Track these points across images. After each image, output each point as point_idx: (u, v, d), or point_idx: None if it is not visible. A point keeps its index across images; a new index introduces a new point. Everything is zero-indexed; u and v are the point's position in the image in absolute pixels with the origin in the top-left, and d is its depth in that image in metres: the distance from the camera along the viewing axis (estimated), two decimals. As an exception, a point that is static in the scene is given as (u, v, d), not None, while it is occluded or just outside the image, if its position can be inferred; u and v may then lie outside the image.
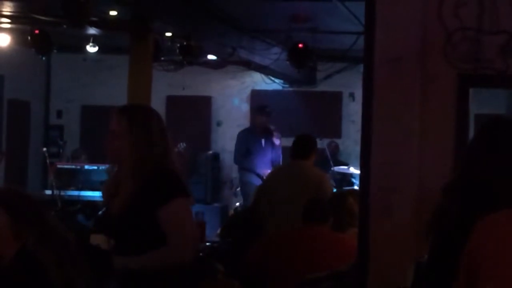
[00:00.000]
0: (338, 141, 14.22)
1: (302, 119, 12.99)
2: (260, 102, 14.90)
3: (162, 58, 12.29)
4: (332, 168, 12.50)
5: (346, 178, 12.58)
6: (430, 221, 2.69)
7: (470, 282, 2.22)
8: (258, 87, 15.09)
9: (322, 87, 14.82)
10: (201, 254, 7.09)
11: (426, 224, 2.72)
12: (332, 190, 7.84)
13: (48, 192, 11.88)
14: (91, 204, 11.48)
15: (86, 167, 12.36)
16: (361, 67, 4.57)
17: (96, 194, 11.14)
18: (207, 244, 7.99)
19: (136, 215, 4.00)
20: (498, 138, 2.61)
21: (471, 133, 4.37)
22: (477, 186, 2.55)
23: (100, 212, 10.43)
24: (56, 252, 3.29)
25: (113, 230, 4.08)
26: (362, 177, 4.43)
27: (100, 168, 11.89)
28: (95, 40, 12.42)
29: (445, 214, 2.61)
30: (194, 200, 14.32)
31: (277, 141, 12.23)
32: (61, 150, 13.80)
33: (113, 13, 10.03)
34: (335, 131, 14.47)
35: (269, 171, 10.45)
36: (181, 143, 12.59)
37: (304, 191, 7.31)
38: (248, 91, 15.25)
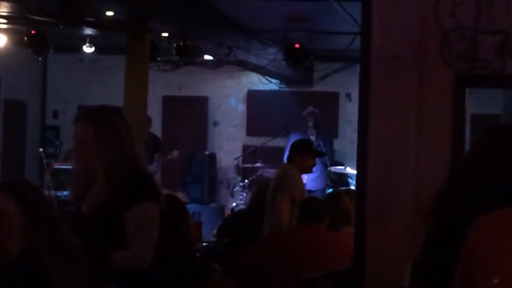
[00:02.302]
0: (335, 141, 14.21)
1: (299, 119, 12.95)
2: (256, 103, 14.92)
3: (159, 58, 12.27)
4: (328, 168, 12.50)
5: (343, 178, 12.57)
6: (429, 207, 2.66)
7: (468, 282, 2.22)
8: (254, 87, 15.08)
9: (318, 87, 14.80)
10: (198, 254, 7.09)
11: (425, 210, 2.69)
12: (283, 190, 7.27)
13: (45, 192, 11.85)
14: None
15: (83, 167, 12.32)
16: (357, 67, 4.57)
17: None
18: (204, 244, 7.98)
19: (107, 217, 3.93)
20: (504, 139, 2.60)
21: (468, 133, 4.39)
22: (480, 182, 2.54)
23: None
24: (61, 257, 3.23)
25: (84, 230, 3.95)
26: (359, 177, 4.43)
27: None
28: (92, 40, 12.39)
29: (447, 201, 2.58)
30: (189, 198, 14.19)
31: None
32: (57, 151, 13.78)
33: (109, 13, 10.00)
34: (332, 131, 14.45)
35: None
36: (174, 151, 12.58)
37: (268, 191, 7.43)
38: (244, 91, 15.23)
